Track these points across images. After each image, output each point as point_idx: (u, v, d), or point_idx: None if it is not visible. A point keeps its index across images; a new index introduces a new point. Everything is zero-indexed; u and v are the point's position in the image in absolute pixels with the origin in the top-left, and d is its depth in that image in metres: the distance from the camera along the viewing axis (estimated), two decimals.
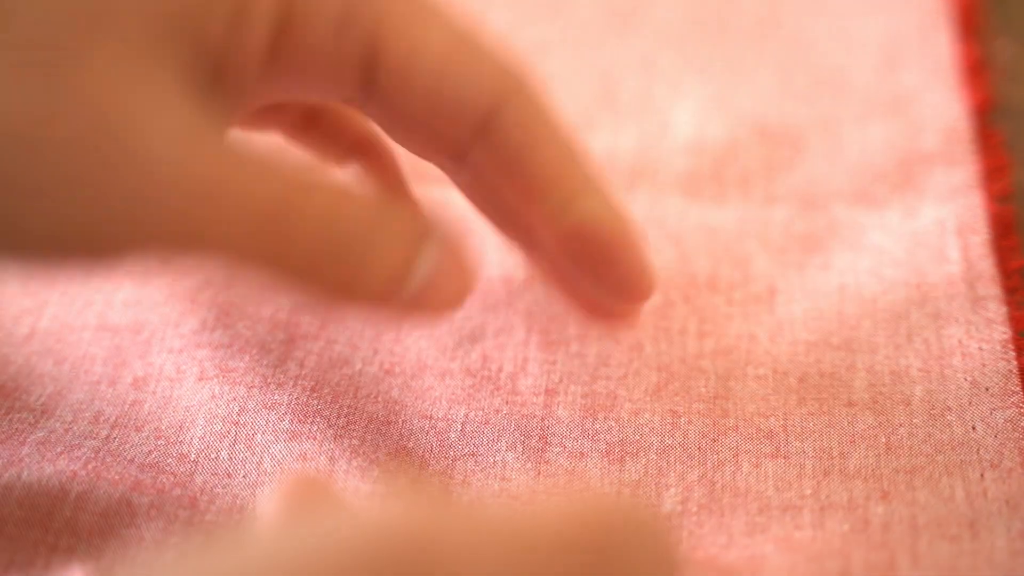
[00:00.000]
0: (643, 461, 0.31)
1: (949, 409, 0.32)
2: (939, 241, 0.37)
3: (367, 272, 0.25)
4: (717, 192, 0.39)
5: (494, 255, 0.36)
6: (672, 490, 0.31)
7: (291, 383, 0.33)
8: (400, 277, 0.26)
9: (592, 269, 0.29)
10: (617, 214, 0.29)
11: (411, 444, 0.32)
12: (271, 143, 0.33)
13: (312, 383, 0.33)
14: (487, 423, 0.32)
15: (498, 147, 0.27)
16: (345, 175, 0.33)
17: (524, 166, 0.28)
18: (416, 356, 0.34)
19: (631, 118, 0.42)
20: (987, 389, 0.32)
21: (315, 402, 0.33)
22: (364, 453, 0.31)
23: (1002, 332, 0.33)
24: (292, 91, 0.28)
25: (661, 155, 0.40)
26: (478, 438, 0.32)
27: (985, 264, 0.35)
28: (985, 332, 0.34)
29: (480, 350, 0.34)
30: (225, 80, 0.26)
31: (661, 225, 0.38)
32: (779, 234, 0.38)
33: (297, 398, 0.33)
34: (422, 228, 0.26)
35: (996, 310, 0.34)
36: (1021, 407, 0.31)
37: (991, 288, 0.35)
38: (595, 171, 0.29)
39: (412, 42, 0.26)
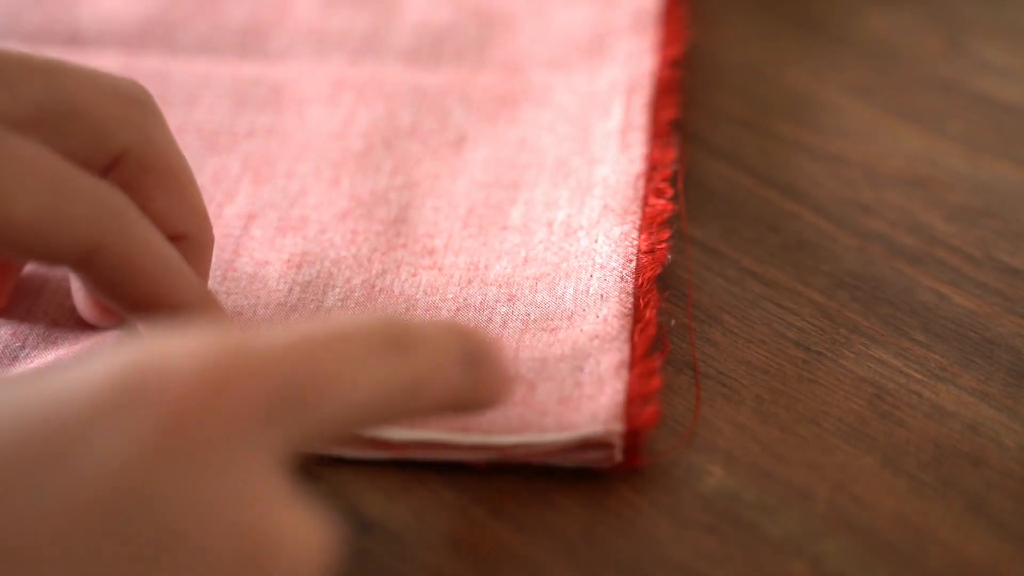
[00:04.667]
0: (317, 268, 0.37)
1: (582, 227, 0.38)
2: (608, 99, 0.43)
3: None
4: (433, 62, 0.46)
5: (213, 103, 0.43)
6: (336, 290, 0.36)
7: None
8: None
9: None
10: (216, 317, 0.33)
11: None
12: None
13: None
14: None
15: (101, 277, 0.30)
16: None
17: (126, 291, 0.31)
18: None
19: (370, 3, 0.48)
20: (614, 210, 0.38)
21: None
22: None
23: (638, 166, 0.39)
24: None
25: (389, 34, 0.47)
26: None
27: (641, 117, 0.42)
28: (626, 168, 0.40)
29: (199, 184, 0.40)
30: None
31: (380, 88, 0.44)
32: (480, 93, 0.44)
33: None
34: None
35: (639, 152, 0.40)
36: (636, 223, 0.37)
37: (640, 136, 0.41)
38: (190, 280, 0.32)
39: None
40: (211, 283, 0.37)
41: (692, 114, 0.44)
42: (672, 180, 0.39)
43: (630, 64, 0.44)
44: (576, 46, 0.46)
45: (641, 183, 0.39)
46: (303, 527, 0.24)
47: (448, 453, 0.32)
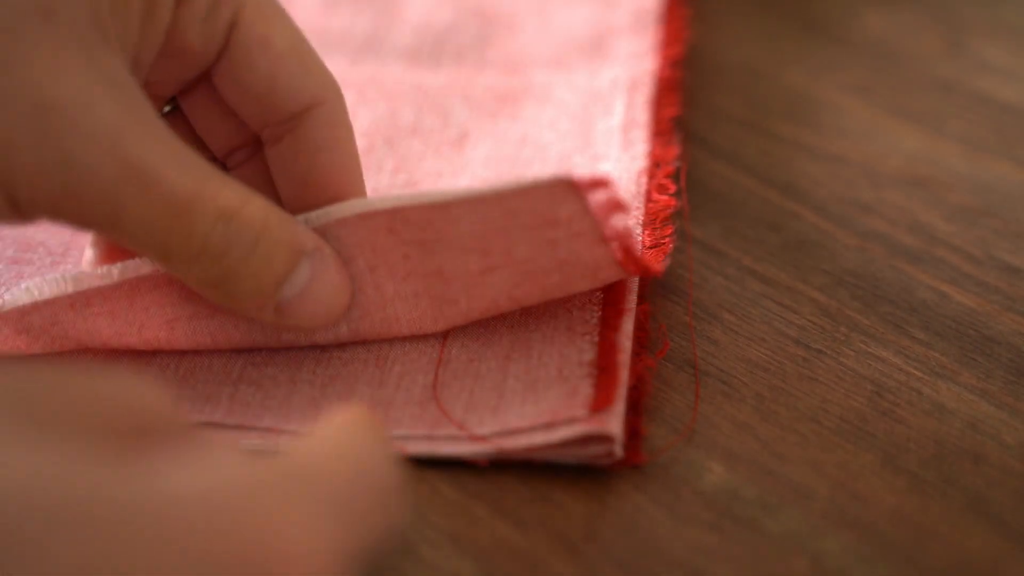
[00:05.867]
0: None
1: None
2: (609, 96, 0.43)
3: (241, 280, 0.30)
4: (434, 62, 0.46)
5: None
6: None
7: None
8: (271, 289, 0.30)
9: None
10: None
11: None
12: None
13: None
14: None
15: (303, 138, 0.32)
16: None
17: (315, 162, 0.33)
18: None
19: (371, 3, 0.49)
20: None
21: None
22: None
23: (640, 163, 0.40)
24: (168, 74, 0.32)
25: (390, 34, 0.48)
26: None
27: (642, 115, 0.42)
28: (628, 164, 0.40)
29: None
30: (135, 72, 0.30)
31: (381, 87, 0.45)
32: (481, 92, 0.44)
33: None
34: (300, 245, 0.30)
35: (641, 148, 0.40)
36: (639, 219, 0.37)
37: (642, 133, 0.41)
38: (360, 181, 0.34)
39: (263, 31, 0.32)
40: None
41: (692, 114, 0.44)
42: (674, 177, 0.39)
43: (631, 64, 0.45)
44: (577, 46, 0.46)
45: (644, 179, 0.39)
46: None
47: (448, 447, 0.32)
